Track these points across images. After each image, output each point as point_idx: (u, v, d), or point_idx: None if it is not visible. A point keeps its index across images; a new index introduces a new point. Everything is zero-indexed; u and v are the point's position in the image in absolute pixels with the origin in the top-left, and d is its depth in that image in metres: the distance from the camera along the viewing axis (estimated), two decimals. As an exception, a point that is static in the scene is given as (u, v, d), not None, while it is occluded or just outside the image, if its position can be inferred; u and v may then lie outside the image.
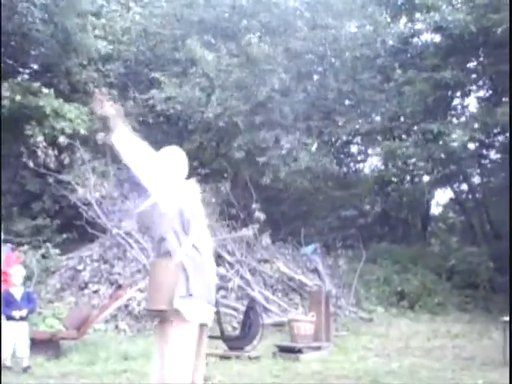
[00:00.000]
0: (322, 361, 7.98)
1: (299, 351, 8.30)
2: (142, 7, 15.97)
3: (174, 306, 3.68)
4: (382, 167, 16.95)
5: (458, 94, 15.36)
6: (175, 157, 4.16)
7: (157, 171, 3.91)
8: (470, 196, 18.27)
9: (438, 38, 14.46)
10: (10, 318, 7.30)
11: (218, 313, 8.70)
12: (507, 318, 8.02)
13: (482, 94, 15.63)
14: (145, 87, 14.69)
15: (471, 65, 14.47)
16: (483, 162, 17.15)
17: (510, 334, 7.22)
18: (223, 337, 8.57)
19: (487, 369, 7.35)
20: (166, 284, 3.75)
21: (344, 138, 16.37)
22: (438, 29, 13.00)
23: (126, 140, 3.88)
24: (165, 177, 3.95)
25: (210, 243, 4.11)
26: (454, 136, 11.81)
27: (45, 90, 12.70)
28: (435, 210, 20.30)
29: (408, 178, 17.62)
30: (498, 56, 12.42)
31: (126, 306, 10.34)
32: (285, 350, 8.39)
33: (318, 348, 8.65)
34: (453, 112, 15.55)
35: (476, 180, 18.38)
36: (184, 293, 3.70)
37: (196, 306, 3.75)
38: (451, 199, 19.55)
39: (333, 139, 16.21)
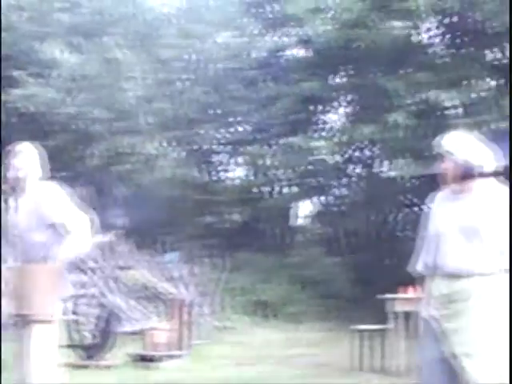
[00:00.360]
0: (182, 369, 7.94)
1: (158, 359, 8.22)
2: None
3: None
4: (246, 177, 17.12)
5: (324, 108, 15.75)
6: (32, 155, 4.00)
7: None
8: (330, 208, 18.77)
9: (306, 52, 14.81)
10: None
11: (76, 321, 8.49)
12: (361, 327, 8.31)
13: (346, 110, 16.14)
14: (6, 84, 14.10)
15: (336, 80, 14.92)
16: (345, 175, 17.69)
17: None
18: (80, 345, 8.36)
19: (341, 375, 7.59)
20: (42, 288, 3.64)
21: (209, 146, 16.40)
22: (305, 43, 13.32)
23: None
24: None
25: None
26: (316, 149, 12.10)
27: None
28: (298, 221, 20.71)
29: (271, 188, 17.88)
30: (363, 72, 12.90)
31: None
32: (143, 359, 8.28)
33: (178, 356, 8.58)
34: (318, 126, 15.92)
35: (338, 192, 18.94)
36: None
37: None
38: (314, 211, 20.01)
39: (197, 148, 16.20)
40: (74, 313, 9.98)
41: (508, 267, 3.53)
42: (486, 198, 3.58)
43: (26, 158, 3.99)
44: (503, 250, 3.52)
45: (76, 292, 10.70)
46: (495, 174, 3.64)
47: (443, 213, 3.68)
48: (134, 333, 10.19)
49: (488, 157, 3.61)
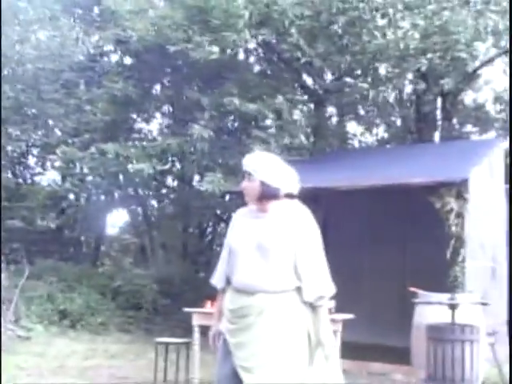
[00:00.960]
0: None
1: None
2: None
3: None
4: (59, 183, 16.60)
5: (142, 117, 15.66)
6: None
7: None
8: (144, 219, 18.69)
9: (124, 58, 14.68)
10: None
11: None
12: (162, 339, 8.28)
13: (163, 120, 16.17)
14: None
15: (153, 89, 14.89)
16: (159, 187, 17.68)
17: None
18: None
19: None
20: None
21: (21, 148, 15.73)
22: (121, 44, 13.22)
23: None
24: None
25: None
26: (130, 157, 11.98)
27: None
28: (111, 230, 20.43)
29: (85, 195, 17.49)
30: (177, 85, 12.99)
31: None
32: None
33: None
34: (135, 135, 15.79)
35: (152, 204, 18.90)
36: None
37: None
38: (126, 221, 19.84)
39: (8, 149, 15.49)
40: None
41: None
42: (283, 218, 3.68)
43: None
44: (297, 271, 3.62)
45: None
46: (292, 195, 3.77)
47: (241, 230, 3.76)
48: None
49: (286, 179, 3.72)
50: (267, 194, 3.67)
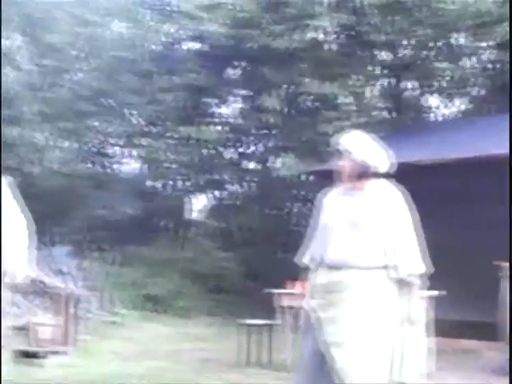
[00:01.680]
0: (67, 366, 7.71)
1: (43, 356, 7.99)
2: None
3: None
4: (140, 170, 16.91)
5: (216, 101, 15.76)
6: None
7: None
8: (225, 203, 18.83)
9: (199, 46, 14.77)
10: None
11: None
12: (249, 321, 8.36)
13: (237, 104, 16.22)
14: None
15: (228, 74, 14.95)
16: (239, 170, 17.79)
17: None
18: None
19: (229, 370, 7.60)
20: None
21: (102, 138, 16.07)
22: (197, 37, 13.32)
23: None
24: None
25: None
26: (209, 142, 12.11)
27: None
28: (192, 214, 20.66)
29: (165, 182, 17.76)
30: (253, 69, 13.02)
31: None
32: (27, 355, 8.02)
33: (64, 352, 8.35)
34: (210, 119, 15.91)
35: (233, 187, 19.02)
36: None
37: None
38: (207, 205, 20.02)
39: (90, 139, 15.86)
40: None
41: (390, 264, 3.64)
42: (378, 197, 3.71)
43: None
44: (388, 249, 3.64)
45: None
46: (387, 174, 3.79)
47: (334, 208, 3.79)
48: (18, 328, 9.88)
49: (382, 158, 3.73)
50: (365, 173, 3.71)
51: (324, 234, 3.78)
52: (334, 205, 3.81)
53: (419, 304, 3.71)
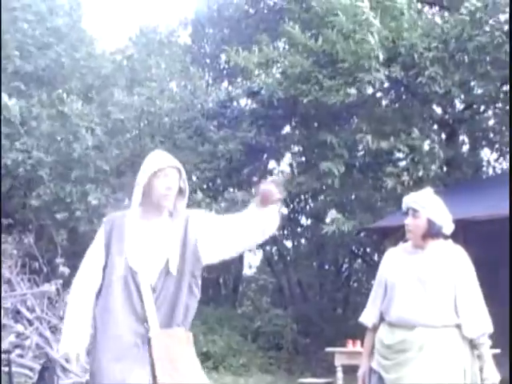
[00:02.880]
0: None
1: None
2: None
3: None
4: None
5: (272, 159, 15.89)
6: None
7: None
8: (280, 258, 18.79)
9: (253, 104, 14.97)
10: None
11: (10, 373, 8.24)
12: (304, 380, 8.25)
13: (293, 160, 16.30)
14: None
15: (284, 131, 15.10)
16: (293, 226, 17.78)
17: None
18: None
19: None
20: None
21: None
22: (251, 94, 13.50)
23: None
24: None
25: None
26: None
27: None
28: (248, 270, 20.67)
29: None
30: (307, 125, 13.10)
31: None
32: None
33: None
34: (268, 176, 16.03)
35: (286, 243, 18.98)
36: None
37: None
38: (262, 261, 20.00)
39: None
40: (20, 365, 9.76)
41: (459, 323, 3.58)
42: (444, 255, 3.70)
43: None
44: (457, 307, 3.61)
45: (17, 343, 10.48)
46: (450, 235, 3.80)
47: (401, 266, 3.77)
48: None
49: (448, 218, 3.76)
50: (432, 232, 3.71)
51: (388, 291, 3.75)
52: (400, 263, 3.79)
53: (492, 365, 3.64)
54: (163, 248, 3.34)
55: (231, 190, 12.99)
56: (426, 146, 11.77)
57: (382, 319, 3.78)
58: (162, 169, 3.40)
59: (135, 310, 3.24)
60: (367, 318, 3.89)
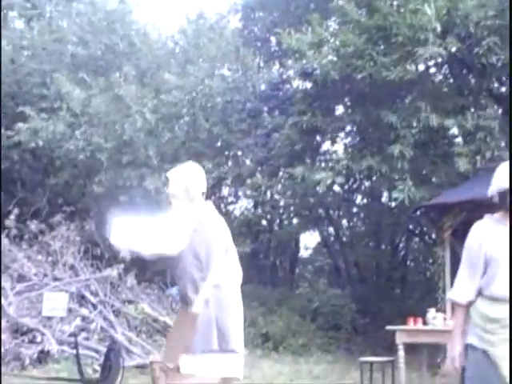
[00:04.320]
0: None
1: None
2: (12, 37, 15.48)
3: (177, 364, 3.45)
4: (252, 209, 17.15)
5: (326, 139, 15.84)
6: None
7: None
8: (337, 239, 18.77)
9: (307, 84, 14.92)
10: None
11: (77, 355, 8.47)
12: (366, 359, 8.26)
13: (348, 140, 16.23)
14: (10, 121, 14.22)
15: (338, 111, 15.01)
16: (350, 206, 17.73)
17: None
18: (83, 380, 8.32)
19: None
20: (179, 336, 3.51)
21: (213, 180, 16.43)
22: (304, 75, 13.42)
23: None
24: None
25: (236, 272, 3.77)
26: (318, 180, 12.10)
27: None
28: (304, 252, 20.72)
29: (277, 220, 17.92)
30: (362, 104, 12.96)
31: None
32: (147, 394, 8.21)
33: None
34: (321, 157, 16.00)
35: (343, 224, 18.95)
36: (204, 346, 3.40)
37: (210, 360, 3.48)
38: (319, 242, 20.00)
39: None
40: (86, 347, 10.02)
41: None
42: None
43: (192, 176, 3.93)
44: None
45: (82, 326, 10.76)
46: None
47: (496, 239, 3.67)
48: (137, 366, 10.16)
49: None
50: None
51: (495, 265, 3.62)
52: (499, 235, 3.67)
53: None
54: None
55: (288, 170, 13.01)
56: (493, 124, 11.49)
57: (481, 293, 3.67)
58: None
59: None
60: (461, 294, 3.75)
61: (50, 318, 10.11)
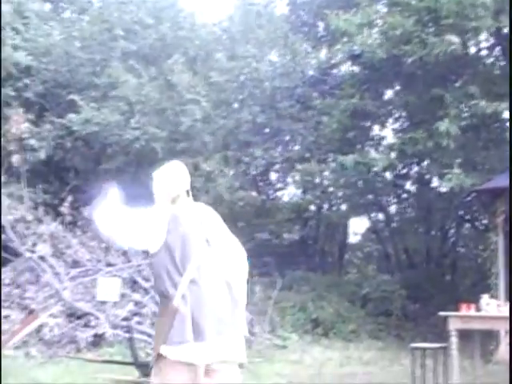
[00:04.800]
0: (235, 387, 7.90)
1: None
2: (63, 28, 15.71)
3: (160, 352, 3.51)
4: (301, 195, 17.17)
5: (375, 124, 15.74)
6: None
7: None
8: (386, 225, 18.68)
9: (355, 68, 14.83)
10: None
11: (131, 339, 8.60)
12: (417, 345, 8.21)
13: (397, 125, 16.09)
14: (62, 110, 14.46)
15: (387, 96, 14.89)
16: (399, 191, 17.60)
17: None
18: (136, 363, 8.45)
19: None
20: (159, 328, 3.66)
21: (262, 166, 16.49)
22: (353, 58, 13.34)
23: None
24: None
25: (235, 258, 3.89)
26: (369, 165, 12.04)
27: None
28: (353, 238, 20.66)
29: (326, 206, 17.90)
30: (411, 87, 12.83)
31: (38, 332, 10.14)
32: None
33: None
34: (371, 142, 15.91)
35: (392, 209, 18.83)
36: (179, 338, 3.55)
37: (190, 348, 3.52)
38: (368, 228, 19.92)
39: (251, 167, 16.33)
40: (139, 331, 10.20)
41: None
42: None
43: (173, 176, 4.04)
44: None
45: (135, 311, 10.94)
46: None
47: None
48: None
49: None
50: None
51: None
52: None
53: None
54: None
55: (338, 155, 12.99)
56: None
57: None
58: None
59: None
60: None
61: (103, 303, 10.31)
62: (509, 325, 7.34)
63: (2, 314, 10.70)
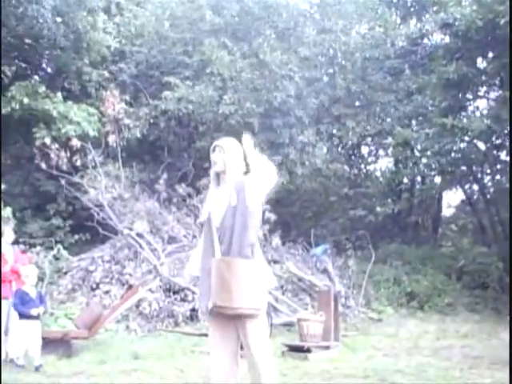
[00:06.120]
0: (331, 360, 7.96)
1: (308, 350, 8.31)
2: (154, 9, 15.98)
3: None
4: (393, 168, 16.98)
5: (469, 94, 15.35)
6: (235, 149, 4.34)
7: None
8: (481, 197, 18.24)
9: (446, 38, 14.47)
10: (23, 316, 7.31)
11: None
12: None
13: (492, 95, 15.63)
14: (156, 90, 14.76)
15: (480, 64, 14.47)
16: (494, 162, 17.13)
17: (510, 333, 7.22)
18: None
19: (495, 368, 7.31)
20: (252, 282, 3.92)
21: (355, 139, 16.37)
22: (445, 26, 13.01)
23: None
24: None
25: None
26: (464, 134, 11.77)
27: (51, 94, 12.83)
28: (446, 211, 20.30)
29: (419, 179, 17.65)
30: (505, 55, 12.41)
31: (137, 307, 10.47)
32: (294, 350, 8.39)
33: (327, 347, 8.63)
34: (464, 113, 15.54)
35: (487, 181, 18.37)
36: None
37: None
38: (462, 200, 19.51)
39: (343, 141, 16.26)
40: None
41: None
42: None
43: (229, 152, 4.24)
44: None
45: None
46: None
47: None
48: (284, 324, 10.43)
49: None
50: None
51: None
52: None
53: None
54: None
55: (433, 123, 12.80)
56: None
57: None
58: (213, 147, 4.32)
59: (210, 246, 4.07)
60: None
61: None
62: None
63: (103, 289, 11.14)
